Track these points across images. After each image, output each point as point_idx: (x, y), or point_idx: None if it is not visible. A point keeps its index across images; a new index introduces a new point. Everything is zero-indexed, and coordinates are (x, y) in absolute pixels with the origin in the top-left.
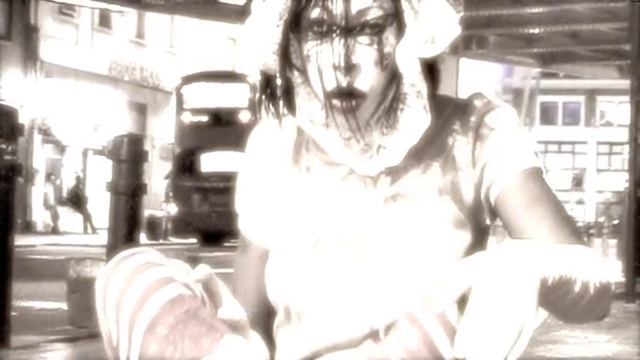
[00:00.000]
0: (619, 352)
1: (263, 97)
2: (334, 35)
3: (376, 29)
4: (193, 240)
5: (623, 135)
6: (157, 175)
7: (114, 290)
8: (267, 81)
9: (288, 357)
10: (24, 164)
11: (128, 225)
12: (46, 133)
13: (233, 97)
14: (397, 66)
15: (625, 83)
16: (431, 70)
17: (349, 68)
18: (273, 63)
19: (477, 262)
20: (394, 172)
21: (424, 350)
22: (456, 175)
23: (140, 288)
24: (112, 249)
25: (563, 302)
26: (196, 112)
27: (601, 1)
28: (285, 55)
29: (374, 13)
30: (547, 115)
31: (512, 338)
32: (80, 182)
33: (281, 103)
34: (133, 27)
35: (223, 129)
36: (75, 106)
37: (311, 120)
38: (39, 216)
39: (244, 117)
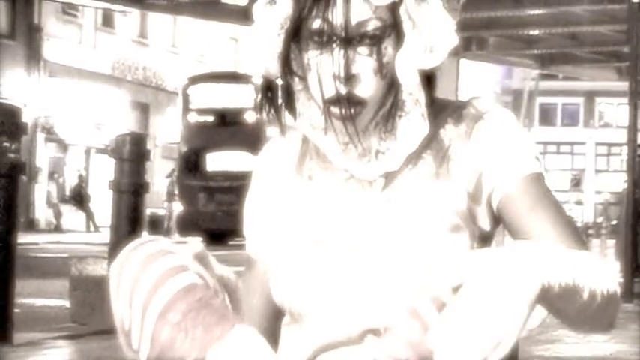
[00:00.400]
0: (617, 352)
1: (264, 101)
2: (334, 46)
3: (375, 40)
4: (199, 238)
5: (622, 136)
6: (159, 173)
7: (128, 275)
8: (269, 86)
9: (290, 355)
10: (27, 163)
11: (130, 223)
12: (49, 131)
13: (238, 97)
14: (396, 75)
15: (623, 85)
16: (429, 77)
17: (349, 78)
18: (274, 69)
19: (475, 258)
20: (391, 177)
21: (426, 343)
22: (452, 180)
23: (154, 274)
24: (115, 247)
25: (570, 309)
26: (202, 112)
27: (600, 3)
28: (285, 63)
29: (373, 25)
30: (546, 116)
31: (492, 342)
32: (83, 181)
33: (282, 107)
34: (135, 27)
35: (229, 129)
36: (78, 105)
37: (311, 125)
38: (42, 214)
39: (249, 117)
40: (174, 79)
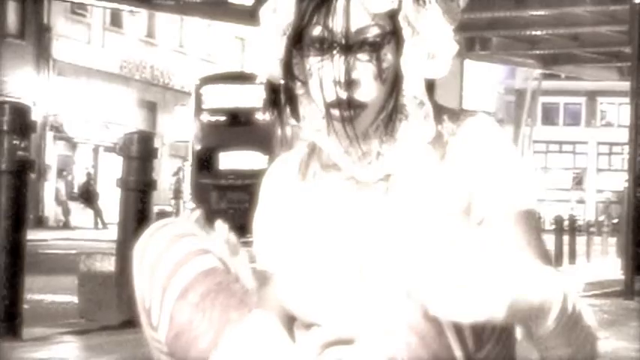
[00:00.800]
0: (618, 349)
1: (270, 104)
2: (334, 52)
3: (375, 46)
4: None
5: (623, 135)
6: (166, 171)
7: (151, 255)
8: (274, 90)
9: (300, 347)
10: (36, 160)
11: (138, 220)
12: (58, 130)
13: (250, 97)
14: (396, 79)
15: (625, 85)
16: (429, 83)
17: (349, 83)
18: (277, 74)
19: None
20: (393, 178)
21: (424, 322)
22: (451, 182)
23: (177, 255)
24: (122, 244)
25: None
26: (214, 112)
27: (602, 4)
28: (287, 69)
29: (372, 31)
30: (548, 116)
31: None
32: (91, 178)
33: (286, 110)
34: (143, 27)
35: (240, 128)
36: (86, 104)
37: (314, 128)
38: (51, 211)
39: (261, 117)
40: (181, 78)
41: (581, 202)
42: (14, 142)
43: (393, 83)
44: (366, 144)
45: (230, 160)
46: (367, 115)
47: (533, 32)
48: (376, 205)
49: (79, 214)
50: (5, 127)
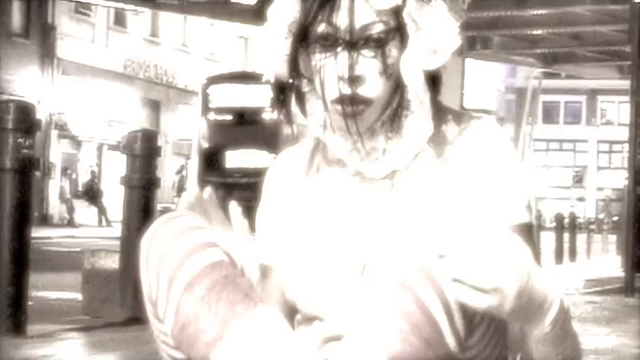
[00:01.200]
0: (618, 345)
1: (276, 101)
2: (339, 49)
3: (379, 42)
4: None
5: (623, 134)
6: (170, 169)
7: (158, 247)
8: (280, 87)
9: (302, 342)
10: (41, 158)
11: (141, 218)
12: (62, 128)
13: (256, 97)
14: (401, 75)
15: (625, 83)
16: (434, 78)
17: (353, 79)
18: (283, 71)
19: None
20: (398, 175)
21: (417, 313)
22: (454, 179)
23: (184, 248)
24: (126, 241)
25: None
26: (221, 111)
27: (602, 3)
28: (293, 66)
29: (377, 28)
30: (549, 114)
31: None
32: (95, 176)
33: (292, 107)
34: (147, 26)
35: (247, 127)
36: (90, 103)
37: (320, 125)
38: (55, 209)
39: (267, 116)
40: (184, 77)
41: (581, 199)
42: (19, 140)
43: (398, 79)
44: (372, 140)
45: (236, 159)
46: (372, 111)
47: (534, 31)
48: (380, 201)
49: (84, 211)
50: (10, 126)
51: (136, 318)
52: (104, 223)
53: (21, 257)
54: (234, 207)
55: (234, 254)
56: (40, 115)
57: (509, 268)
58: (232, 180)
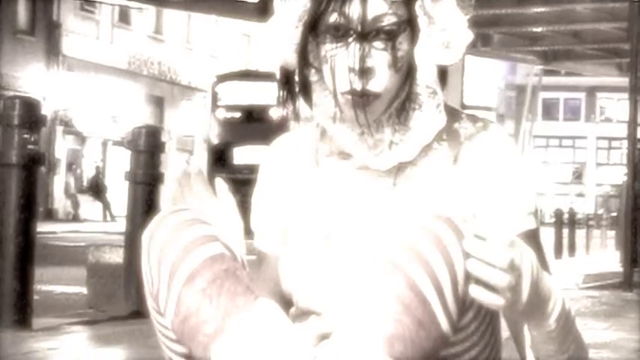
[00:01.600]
0: (617, 339)
1: (282, 91)
2: (350, 39)
3: (391, 34)
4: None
5: (622, 130)
6: (173, 165)
7: (159, 240)
8: (286, 77)
9: (298, 336)
10: (46, 154)
11: (146, 213)
12: (67, 124)
13: (264, 94)
14: (410, 68)
15: (624, 81)
16: (442, 73)
17: (364, 71)
18: (292, 60)
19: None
20: (404, 167)
21: (409, 294)
22: (464, 174)
23: (184, 241)
24: (130, 236)
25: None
26: (230, 108)
27: (601, 1)
28: (302, 55)
29: (389, 20)
30: (549, 111)
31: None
32: (100, 172)
33: (298, 97)
34: (151, 23)
35: (255, 124)
36: (95, 99)
37: (326, 115)
38: (60, 204)
39: (274, 113)
40: (188, 73)
41: (580, 195)
42: (25, 136)
43: (407, 72)
44: (379, 133)
45: (244, 155)
46: (380, 103)
47: (534, 29)
48: (383, 195)
49: (88, 206)
50: (16, 122)
51: (140, 312)
52: (108, 218)
53: (26, 252)
54: (221, 183)
55: (234, 247)
56: (46, 111)
57: (524, 253)
58: (241, 176)
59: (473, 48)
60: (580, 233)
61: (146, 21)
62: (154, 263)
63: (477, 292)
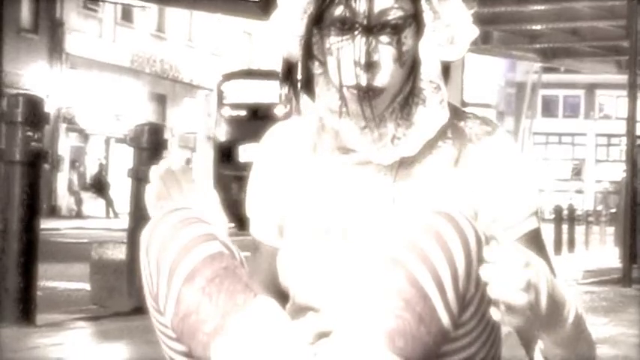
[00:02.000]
0: (616, 335)
1: (285, 83)
2: (356, 33)
3: (396, 29)
4: (231, 224)
5: (621, 127)
6: None
7: (158, 239)
8: (290, 69)
9: (296, 334)
10: (49, 151)
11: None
12: (70, 121)
13: (269, 93)
14: (414, 63)
15: (623, 78)
16: (444, 69)
17: (369, 65)
18: (295, 53)
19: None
20: (407, 162)
21: (410, 289)
22: (468, 172)
23: (184, 240)
24: (133, 232)
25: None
26: (235, 106)
27: None
28: (307, 47)
29: (394, 14)
30: (548, 108)
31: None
32: (103, 169)
33: (301, 89)
34: (153, 21)
35: (260, 122)
36: (98, 97)
37: (329, 108)
38: (63, 201)
39: (279, 111)
40: (190, 71)
41: (579, 192)
42: (28, 133)
43: (410, 67)
44: (382, 127)
45: (250, 153)
46: (384, 97)
47: (534, 27)
48: (384, 190)
49: (91, 203)
50: (19, 119)
51: (143, 308)
52: (111, 214)
53: (30, 248)
54: (204, 179)
55: (232, 246)
56: (49, 108)
57: (539, 271)
58: (246, 173)
59: (473, 45)
60: (579, 229)
61: (149, 19)
62: (153, 262)
63: (497, 315)
